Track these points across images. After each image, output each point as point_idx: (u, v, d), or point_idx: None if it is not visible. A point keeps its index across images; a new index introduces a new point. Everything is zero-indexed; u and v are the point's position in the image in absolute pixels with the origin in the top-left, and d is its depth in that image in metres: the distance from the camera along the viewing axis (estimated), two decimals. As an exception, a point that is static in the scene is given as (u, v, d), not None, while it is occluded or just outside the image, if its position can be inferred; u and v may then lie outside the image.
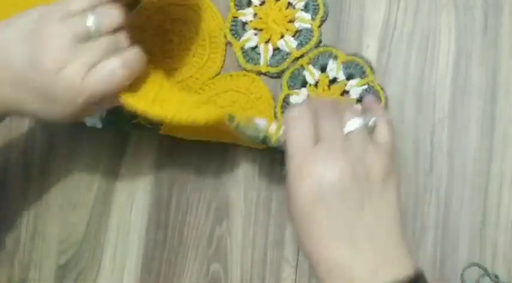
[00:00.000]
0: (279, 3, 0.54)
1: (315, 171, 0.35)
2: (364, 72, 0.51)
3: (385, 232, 0.36)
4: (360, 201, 0.35)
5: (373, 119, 0.39)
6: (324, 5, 0.53)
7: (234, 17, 0.55)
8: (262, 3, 0.55)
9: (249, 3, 0.55)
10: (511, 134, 0.49)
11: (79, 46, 0.39)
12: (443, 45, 0.51)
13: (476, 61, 0.50)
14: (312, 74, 0.52)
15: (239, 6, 0.55)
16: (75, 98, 0.39)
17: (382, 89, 0.50)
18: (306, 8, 0.54)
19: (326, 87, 0.52)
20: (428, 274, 0.48)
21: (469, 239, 0.48)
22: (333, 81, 0.52)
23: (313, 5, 0.53)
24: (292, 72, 0.53)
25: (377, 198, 0.36)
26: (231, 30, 0.55)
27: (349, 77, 0.51)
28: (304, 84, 0.52)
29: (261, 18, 0.55)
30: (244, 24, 0.55)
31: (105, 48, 0.40)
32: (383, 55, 0.52)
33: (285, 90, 0.52)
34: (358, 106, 0.50)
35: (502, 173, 0.48)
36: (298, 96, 0.52)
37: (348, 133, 0.37)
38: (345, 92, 0.51)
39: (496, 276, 0.47)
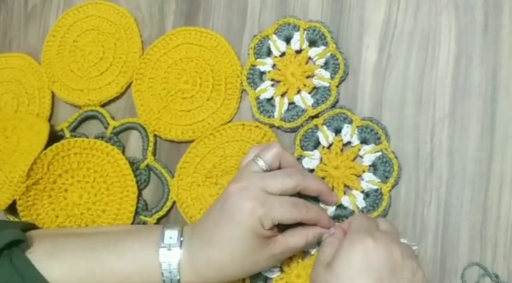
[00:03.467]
0: (299, 56, 0.53)
1: None
2: (379, 138, 0.50)
3: None
4: None
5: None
6: (345, 64, 0.52)
7: (253, 65, 0.54)
8: (282, 55, 0.54)
9: (269, 53, 0.54)
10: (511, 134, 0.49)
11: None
12: (444, 45, 0.51)
13: (477, 61, 0.50)
14: (326, 136, 0.51)
15: (259, 54, 0.54)
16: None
17: (395, 157, 0.50)
18: (326, 65, 0.53)
19: (339, 151, 0.51)
20: (428, 274, 0.48)
21: (469, 239, 0.48)
22: (346, 144, 0.51)
23: (333, 63, 0.52)
24: (306, 132, 0.52)
25: None
26: (248, 78, 0.54)
27: (363, 142, 0.51)
28: (317, 145, 0.52)
29: (279, 69, 0.54)
30: (262, 73, 0.54)
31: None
32: (383, 55, 0.52)
33: (298, 152, 0.51)
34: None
35: (502, 173, 0.48)
36: (311, 160, 0.51)
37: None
38: (358, 157, 0.51)
39: (497, 276, 0.47)
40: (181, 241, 0.44)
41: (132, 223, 0.53)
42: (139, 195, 0.54)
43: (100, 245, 0.45)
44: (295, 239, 0.45)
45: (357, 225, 0.44)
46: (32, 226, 0.51)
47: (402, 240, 0.45)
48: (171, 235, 0.45)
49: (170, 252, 0.44)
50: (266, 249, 0.44)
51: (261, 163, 0.46)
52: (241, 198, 0.43)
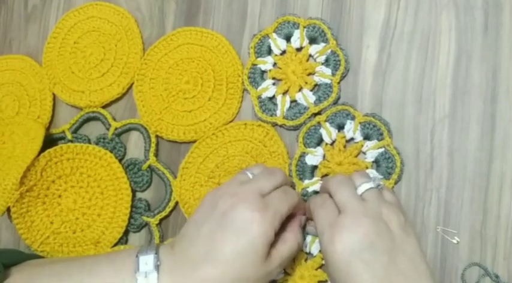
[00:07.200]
0: (299, 54, 0.53)
1: (344, 239, 0.41)
2: (381, 134, 0.50)
3: (417, 273, 0.41)
4: (388, 250, 0.41)
5: (381, 183, 0.46)
6: (346, 60, 0.52)
7: (254, 64, 0.54)
8: (282, 53, 0.54)
9: (270, 52, 0.54)
10: (512, 134, 0.49)
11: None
12: (444, 45, 0.51)
13: (477, 61, 0.50)
14: (329, 133, 0.51)
15: (259, 53, 0.54)
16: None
17: (398, 153, 0.50)
18: (326, 62, 0.53)
19: (342, 147, 0.51)
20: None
21: (469, 239, 0.48)
22: (349, 140, 0.51)
23: (334, 60, 0.52)
24: (309, 129, 0.52)
25: (402, 244, 0.41)
26: (249, 77, 0.54)
27: (366, 138, 0.51)
28: (320, 142, 0.52)
29: (280, 68, 0.54)
30: (263, 72, 0.54)
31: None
32: (383, 55, 0.52)
33: (301, 149, 0.51)
34: (365, 171, 0.49)
35: (502, 173, 0.48)
36: (314, 157, 0.51)
37: (363, 194, 0.44)
38: (361, 153, 0.51)
39: (497, 276, 0.47)
40: (157, 266, 0.43)
41: (129, 224, 0.53)
42: (134, 196, 0.54)
43: (76, 271, 0.44)
44: (287, 246, 0.45)
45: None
46: (27, 257, 0.50)
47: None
48: (146, 261, 0.43)
49: (147, 279, 0.42)
50: (264, 267, 0.43)
51: (249, 174, 0.47)
52: (244, 211, 0.43)
